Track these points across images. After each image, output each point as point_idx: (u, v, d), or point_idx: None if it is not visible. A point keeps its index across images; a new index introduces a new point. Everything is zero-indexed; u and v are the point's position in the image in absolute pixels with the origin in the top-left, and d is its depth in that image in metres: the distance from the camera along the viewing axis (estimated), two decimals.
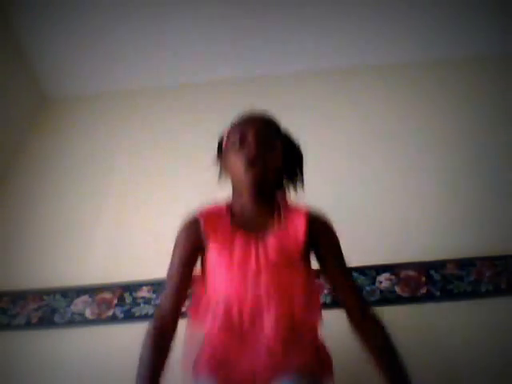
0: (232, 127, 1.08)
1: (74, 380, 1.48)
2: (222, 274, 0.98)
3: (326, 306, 1.37)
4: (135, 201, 1.94)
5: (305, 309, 0.99)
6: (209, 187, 1.90)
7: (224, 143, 1.09)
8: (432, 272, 1.56)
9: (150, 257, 1.72)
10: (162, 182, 1.97)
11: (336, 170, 1.89)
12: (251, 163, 0.98)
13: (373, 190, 1.81)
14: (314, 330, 1.03)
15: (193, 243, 1.03)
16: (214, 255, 1.00)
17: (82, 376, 1.48)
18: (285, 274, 0.97)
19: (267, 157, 1.01)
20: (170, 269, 1.03)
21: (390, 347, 0.96)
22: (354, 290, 1.03)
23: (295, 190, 1.13)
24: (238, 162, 1.01)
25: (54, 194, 2.01)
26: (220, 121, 2.14)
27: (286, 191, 1.12)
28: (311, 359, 0.97)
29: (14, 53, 2.19)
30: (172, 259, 1.05)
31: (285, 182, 1.13)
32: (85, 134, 2.24)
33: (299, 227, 1.00)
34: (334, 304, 1.27)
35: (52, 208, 1.96)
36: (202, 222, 1.03)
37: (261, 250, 0.97)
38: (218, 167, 1.14)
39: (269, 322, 0.93)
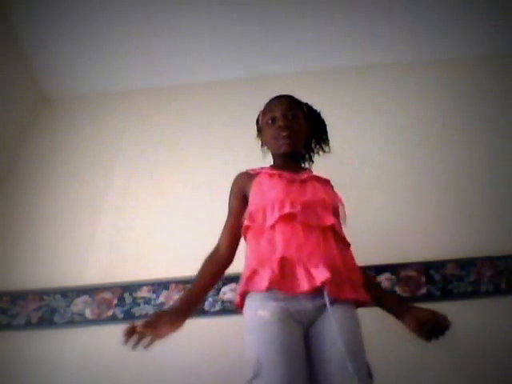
0: (264, 109, 1.36)
1: (74, 380, 1.48)
2: (274, 184, 1.17)
3: None
4: (135, 201, 1.94)
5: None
6: (208, 187, 1.92)
7: (260, 122, 1.37)
8: (432, 272, 1.56)
9: (150, 257, 1.73)
10: (162, 183, 1.97)
11: (335, 170, 1.88)
12: (281, 133, 1.25)
13: (372, 190, 1.81)
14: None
15: (241, 188, 1.24)
16: (266, 178, 1.19)
17: (82, 376, 1.48)
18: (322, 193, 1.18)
19: (293, 125, 1.27)
20: (228, 211, 1.23)
21: None
22: None
23: (323, 150, 1.40)
24: (272, 135, 1.28)
25: (54, 193, 2.01)
26: (220, 120, 2.17)
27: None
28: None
29: (14, 53, 2.19)
30: (228, 203, 1.25)
31: (313, 144, 1.39)
32: (85, 133, 2.24)
33: (330, 189, 1.26)
34: None
35: (52, 208, 1.96)
36: (249, 171, 1.27)
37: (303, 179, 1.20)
38: (260, 142, 1.39)
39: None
